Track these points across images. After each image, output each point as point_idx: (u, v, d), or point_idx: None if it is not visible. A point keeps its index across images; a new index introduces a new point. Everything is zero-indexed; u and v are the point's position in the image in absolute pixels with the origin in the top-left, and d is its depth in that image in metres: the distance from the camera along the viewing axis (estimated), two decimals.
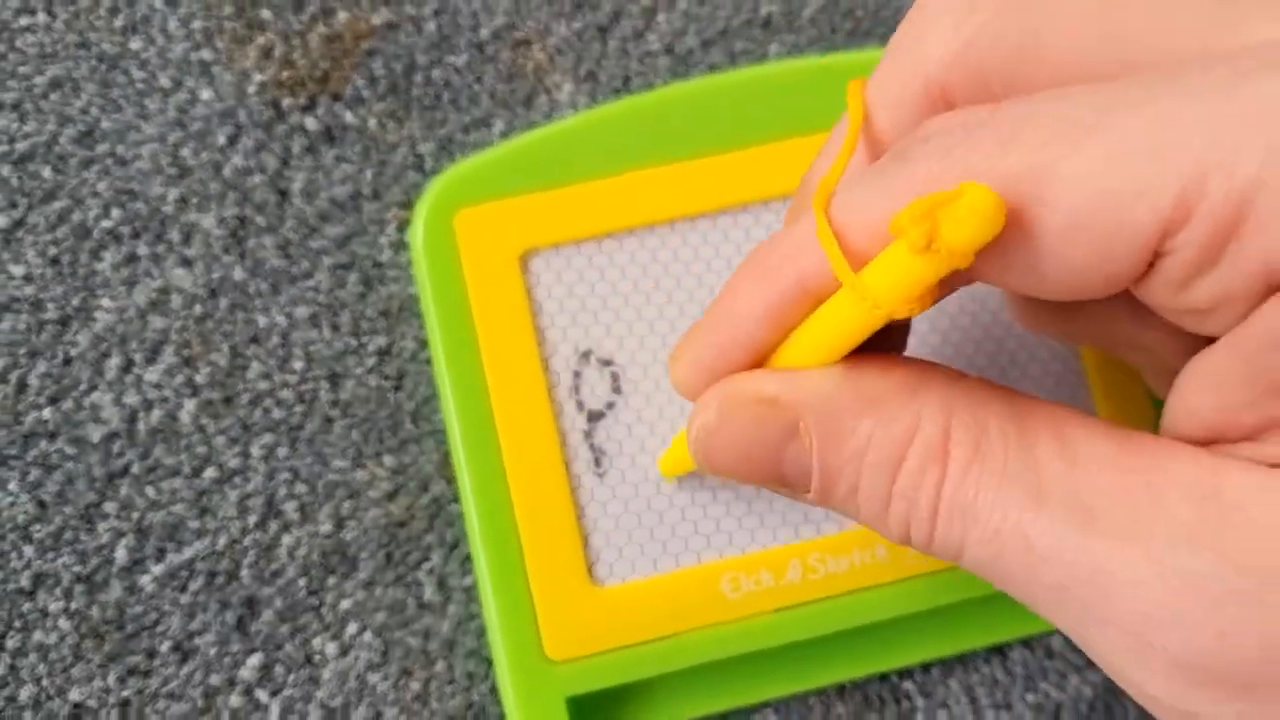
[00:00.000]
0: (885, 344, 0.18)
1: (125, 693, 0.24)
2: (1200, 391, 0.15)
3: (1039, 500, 0.15)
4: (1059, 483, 0.15)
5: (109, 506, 0.24)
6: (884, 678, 0.25)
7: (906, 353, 0.20)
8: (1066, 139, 0.14)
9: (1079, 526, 0.15)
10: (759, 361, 0.18)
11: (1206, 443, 0.15)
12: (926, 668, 0.25)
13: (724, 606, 0.23)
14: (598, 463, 0.23)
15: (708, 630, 0.23)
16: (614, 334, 0.24)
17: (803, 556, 0.23)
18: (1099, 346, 0.20)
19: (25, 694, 0.23)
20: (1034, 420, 0.16)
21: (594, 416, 0.24)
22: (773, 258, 0.17)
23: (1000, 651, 0.25)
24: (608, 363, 0.24)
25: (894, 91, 0.18)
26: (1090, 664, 0.25)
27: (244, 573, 0.24)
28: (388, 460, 0.25)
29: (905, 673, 0.25)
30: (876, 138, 0.19)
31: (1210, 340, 0.15)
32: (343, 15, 0.26)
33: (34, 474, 0.24)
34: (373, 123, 0.26)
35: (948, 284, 0.16)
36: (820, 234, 0.16)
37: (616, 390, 0.24)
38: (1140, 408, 0.24)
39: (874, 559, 0.23)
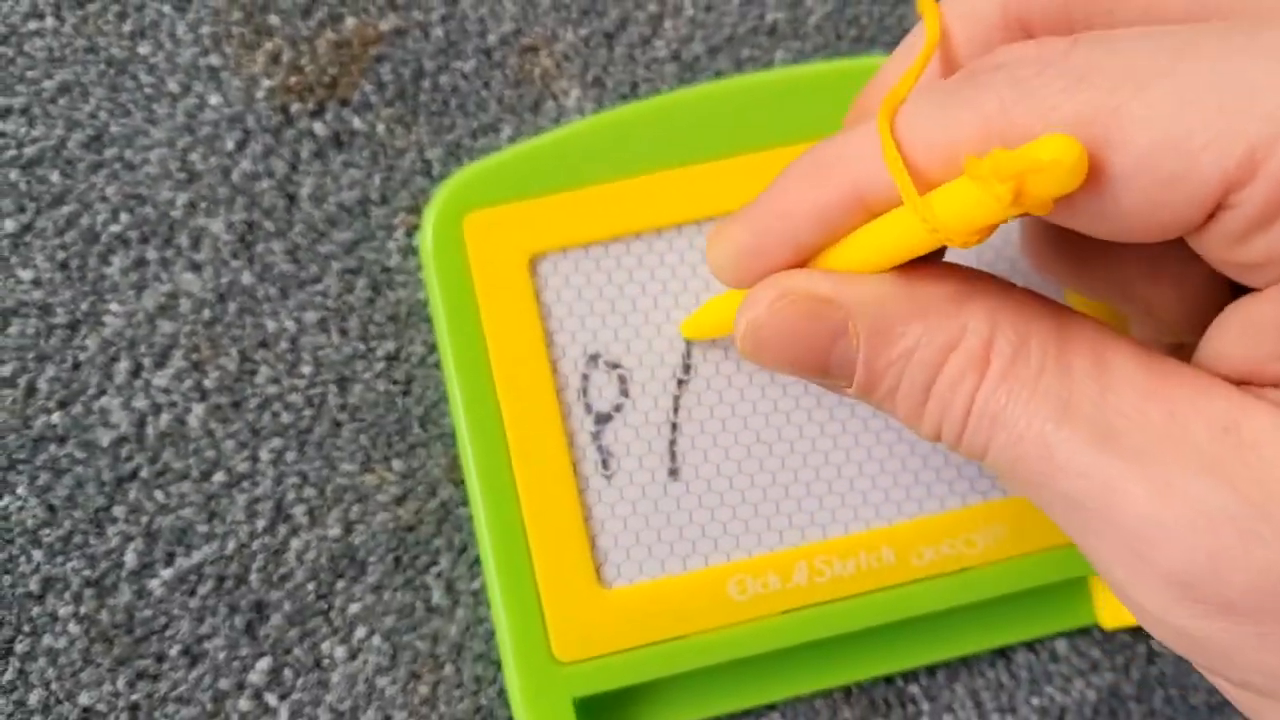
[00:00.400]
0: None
1: (134, 696, 0.24)
2: (1234, 338, 0.16)
3: (1065, 415, 0.16)
4: (1087, 401, 0.16)
5: (118, 511, 0.24)
6: (889, 681, 0.25)
7: None
8: (1138, 82, 0.14)
9: (1098, 444, 0.16)
10: (799, 259, 0.19)
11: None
12: (932, 671, 0.25)
13: (731, 608, 0.23)
14: (605, 465, 0.24)
15: (714, 632, 0.23)
16: (621, 337, 0.24)
17: (809, 559, 0.23)
18: (1098, 295, 0.21)
19: (34, 698, 0.23)
20: (1075, 340, 0.17)
21: (601, 419, 0.24)
22: (831, 162, 0.18)
23: (1005, 655, 0.25)
24: (615, 366, 0.24)
25: (971, 9, 0.18)
26: (1094, 668, 0.25)
27: (253, 577, 0.24)
28: (396, 464, 0.25)
29: (911, 676, 0.25)
30: (948, 55, 0.19)
31: (1236, 291, 0.16)
32: (351, 21, 0.26)
33: (43, 478, 0.24)
34: (381, 128, 0.26)
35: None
36: (887, 155, 0.16)
37: (624, 393, 0.24)
38: None
39: (880, 562, 0.23)
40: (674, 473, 0.24)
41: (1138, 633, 0.25)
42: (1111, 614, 0.24)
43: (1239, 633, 0.15)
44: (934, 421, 0.18)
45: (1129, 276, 0.20)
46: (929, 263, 0.18)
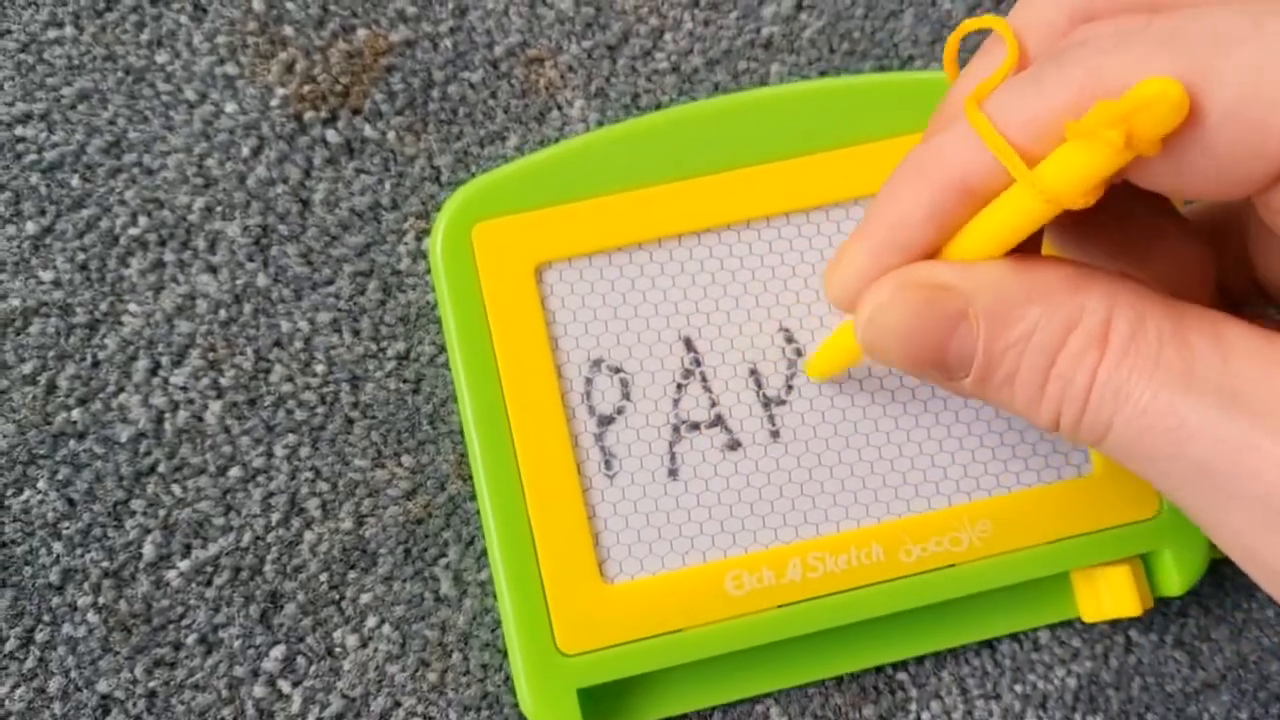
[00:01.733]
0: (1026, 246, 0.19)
1: (152, 684, 0.24)
2: None
3: (1189, 384, 0.16)
4: (1210, 371, 0.16)
5: (136, 504, 0.25)
6: (879, 669, 0.26)
7: None
8: (1223, 44, 0.15)
9: (1226, 408, 0.16)
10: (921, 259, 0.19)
11: None
12: (920, 659, 0.26)
13: (728, 603, 0.24)
14: (608, 465, 0.24)
15: (712, 625, 0.24)
16: (624, 343, 0.25)
17: (803, 555, 0.24)
18: (1118, 264, 0.21)
19: (54, 685, 0.24)
20: (1189, 318, 0.17)
21: (604, 421, 0.25)
22: (932, 162, 0.18)
23: (990, 644, 0.26)
24: (618, 370, 0.25)
25: (1039, 16, 0.19)
26: (1075, 656, 0.26)
27: (267, 568, 0.25)
28: (406, 460, 0.26)
29: (899, 664, 0.26)
30: (1020, 61, 0.19)
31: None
32: (362, 32, 0.27)
33: (63, 472, 0.25)
34: (391, 136, 0.27)
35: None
36: (986, 136, 0.17)
37: (626, 396, 0.25)
38: None
39: (870, 558, 0.24)
40: (673, 473, 0.24)
41: (1116, 622, 0.26)
42: (1092, 608, 0.25)
43: None
44: (1054, 402, 0.18)
45: (1157, 254, 0.21)
46: (1039, 254, 0.18)
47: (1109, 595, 0.25)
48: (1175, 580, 0.25)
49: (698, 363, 0.25)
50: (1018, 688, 0.26)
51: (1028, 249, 0.19)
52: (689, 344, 0.25)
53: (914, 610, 0.25)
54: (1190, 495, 0.17)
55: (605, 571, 0.24)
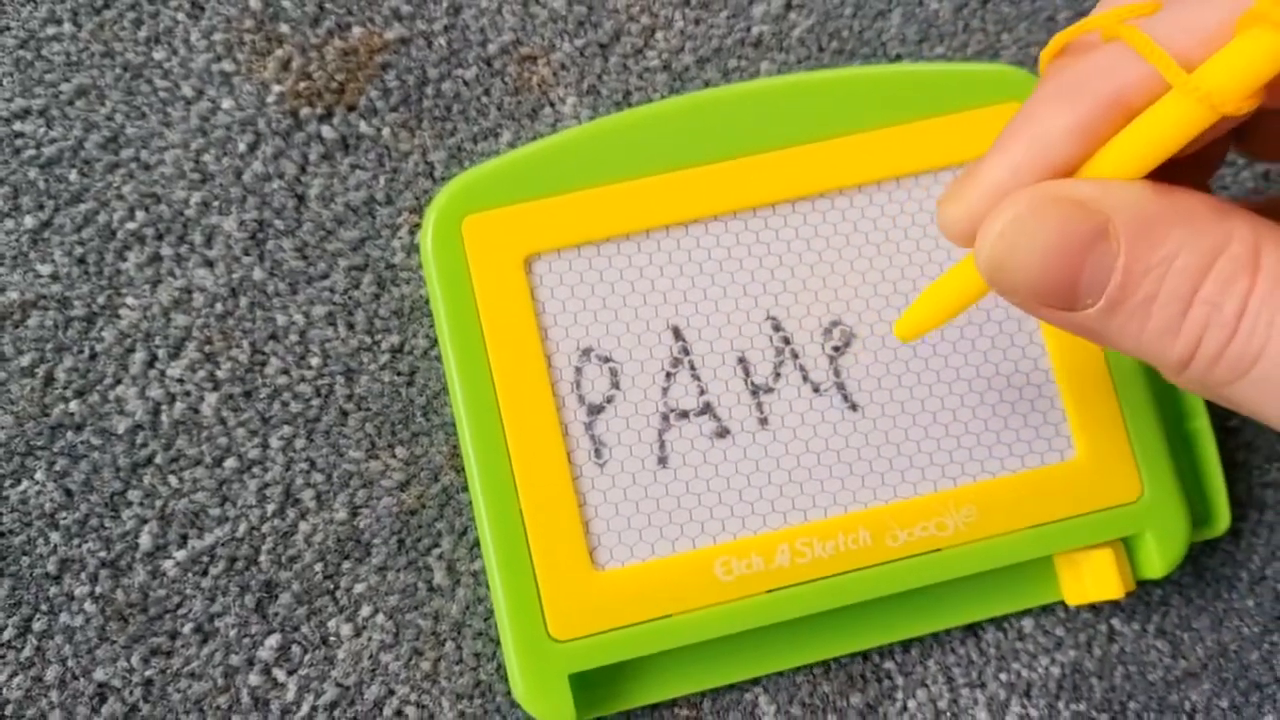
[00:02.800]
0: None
1: (148, 672, 0.25)
2: None
3: None
4: None
5: (133, 495, 0.25)
6: (866, 657, 0.26)
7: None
8: None
9: None
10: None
11: None
12: (906, 648, 0.26)
13: (717, 588, 0.24)
14: (598, 453, 0.25)
15: (702, 611, 0.24)
16: (613, 332, 0.25)
17: (790, 541, 0.24)
18: None
19: (51, 674, 0.24)
20: None
21: (594, 410, 0.25)
22: (1082, 76, 0.18)
23: (974, 633, 0.26)
24: (607, 359, 0.25)
25: None
26: (1059, 645, 0.26)
27: (263, 558, 0.25)
28: (400, 451, 0.26)
29: (886, 653, 0.26)
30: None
31: None
32: (357, 30, 0.27)
33: (61, 463, 0.25)
34: (386, 132, 0.27)
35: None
36: (1140, 46, 0.17)
37: (615, 385, 0.25)
38: (1109, 410, 0.26)
39: (858, 543, 0.24)
40: (663, 460, 0.25)
41: (1099, 610, 0.27)
42: (1075, 591, 0.25)
43: None
44: (1195, 330, 0.17)
45: None
46: (1179, 186, 0.18)
47: (1092, 578, 0.25)
48: (1157, 563, 0.25)
49: (686, 352, 0.25)
50: (1002, 676, 0.26)
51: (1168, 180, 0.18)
52: (677, 333, 0.25)
53: (901, 595, 0.25)
54: None
55: (596, 558, 0.24)
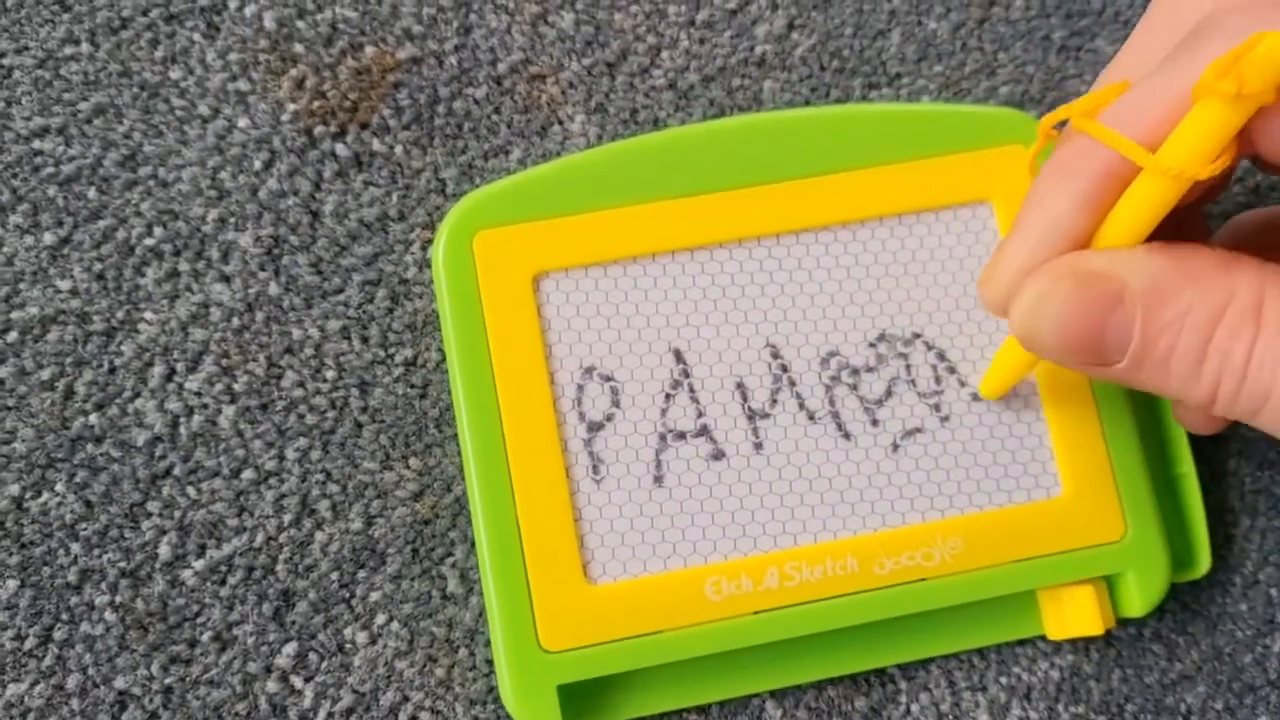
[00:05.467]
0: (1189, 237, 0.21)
1: (168, 680, 0.25)
2: None
3: None
4: None
5: (152, 506, 0.26)
6: None
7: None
8: None
9: None
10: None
11: None
12: None
13: (706, 607, 0.24)
14: (595, 470, 0.25)
15: (691, 628, 0.24)
16: (615, 352, 0.26)
17: (780, 564, 0.25)
18: None
19: (72, 682, 0.25)
20: None
21: (594, 427, 0.25)
22: (1075, 157, 0.20)
23: None
24: (609, 378, 0.25)
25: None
26: (1057, 649, 0.27)
27: (280, 567, 0.26)
28: (413, 462, 0.26)
29: None
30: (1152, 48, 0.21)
31: None
32: (370, 50, 0.28)
33: (81, 475, 0.26)
34: (399, 150, 0.28)
35: (1229, 155, 0.19)
36: (1100, 135, 0.19)
37: (615, 404, 0.25)
38: (1096, 450, 0.26)
39: (845, 570, 0.25)
40: (659, 480, 0.25)
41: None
42: (1056, 626, 0.26)
43: None
44: (1213, 375, 0.19)
45: None
46: (1188, 241, 0.20)
47: (1073, 614, 0.25)
48: (1137, 602, 0.26)
49: (686, 374, 0.26)
50: (1003, 679, 0.27)
51: (1167, 237, 0.20)
52: (678, 356, 0.26)
53: (886, 622, 0.25)
54: None
55: (589, 572, 0.25)
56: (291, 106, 0.27)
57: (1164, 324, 0.19)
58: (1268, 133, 0.19)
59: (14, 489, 0.25)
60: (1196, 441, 0.27)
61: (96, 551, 0.25)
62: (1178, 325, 0.19)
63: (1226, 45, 0.18)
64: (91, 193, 0.27)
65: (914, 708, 0.26)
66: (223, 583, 0.25)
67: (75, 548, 0.25)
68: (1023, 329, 0.21)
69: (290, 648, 0.25)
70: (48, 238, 0.26)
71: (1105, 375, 0.21)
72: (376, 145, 0.27)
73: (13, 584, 0.25)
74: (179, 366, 0.26)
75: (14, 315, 0.26)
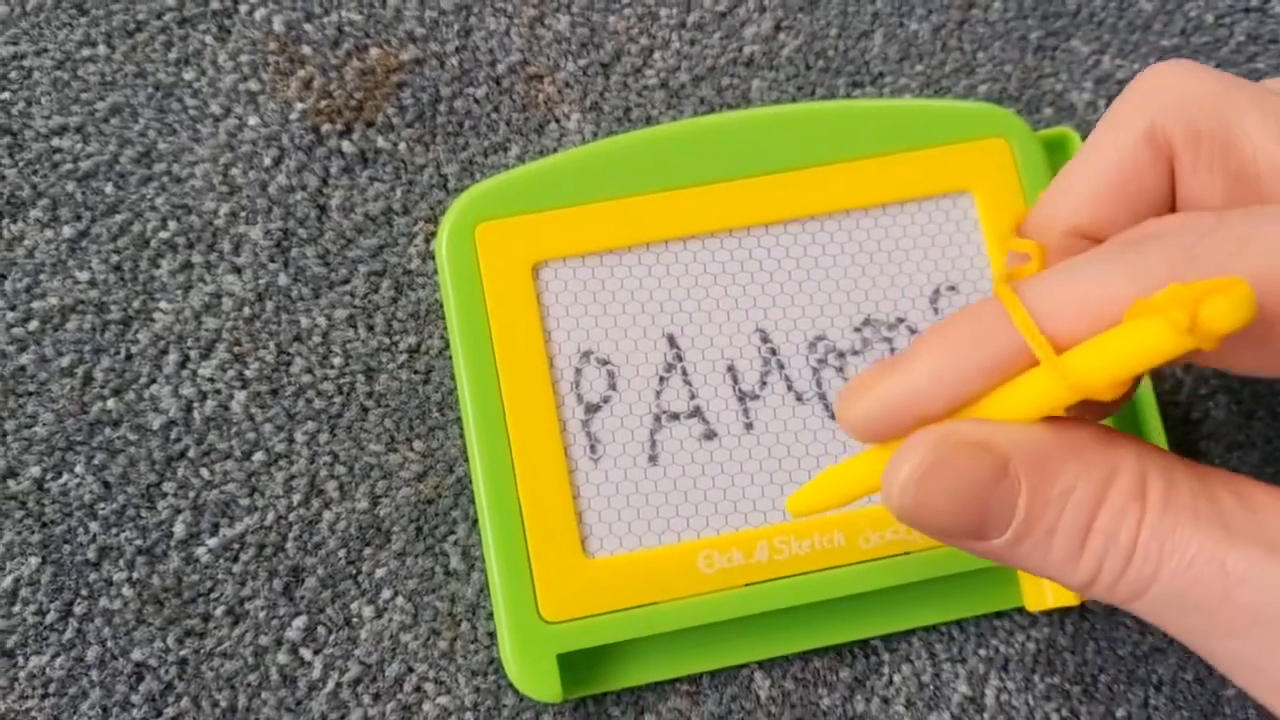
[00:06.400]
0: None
1: (183, 652, 0.26)
2: None
3: (1229, 535, 0.17)
4: (1244, 523, 0.17)
5: (168, 486, 0.27)
6: None
7: None
8: None
9: (1268, 555, 0.17)
10: (948, 414, 0.19)
11: None
12: None
13: (699, 580, 0.25)
14: (593, 449, 0.26)
15: (684, 600, 0.25)
16: (611, 337, 0.26)
17: (769, 539, 0.26)
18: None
19: (91, 654, 0.26)
20: (1212, 479, 0.18)
21: (591, 408, 0.26)
22: (992, 319, 0.18)
23: None
24: (605, 362, 0.26)
25: (1118, 134, 0.21)
26: (1034, 622, 0.28)
27: (289, 545, 0.27)
28: (417, 445, 0.27)
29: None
30: (1101, 174, 0.21)
31: None
32: (375, 51, 0.29)
33: (99, 458, 0.27)
34: (402, 147, 0.29)
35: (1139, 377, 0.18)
36: (1016, 317, 0.18)
37: (612, 386, 0.26)
38: None
39: (832, 543, 0.26)
40: (653, 459, 0.26)
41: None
42: (1035, 598, 0.26)
43: None
44: (1095, 558, 0.18)
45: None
46: (1067, 416, 0.19)
47: (1051, 587, 0.26)
48: None
49: (679, 358, 0.26)
50: (981, 651, 0.27)
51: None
52: (672, 341, 0.26)
53: (871, 595, 0.26)
54: (1235, 644, 0.17)
55: (587, 547, 0.25)
56: (300, 105, 0.28)
57: (1047, 500, 0.18)
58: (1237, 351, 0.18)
59: (35, 470, 0.26)
60: (1169, 423, 0.28)
61: (114, 530, 0.26)
62: (1061, 502, 0.18)
63: (1179, 255, 0.17)
64: (109, 188, 0.28)
65: (896, 678, 0.27)
66: (235, 560, 0.26)
67: (94, 526, 0.26)
68: (901, 505, 0.19)
69: (300, 621, 0.26)
70: (67, 231, 0.27)
71: (976, 550, 0.19)
72: (381, 142, 0.28)
73: (34, 561, 0.26)
74: (193, 354, 0.27)
75: (35, 305, 0.27)
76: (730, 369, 0.26)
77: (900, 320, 0.27)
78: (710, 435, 0.26)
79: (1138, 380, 0.18)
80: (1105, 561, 0.18)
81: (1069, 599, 0.26)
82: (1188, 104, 0.20)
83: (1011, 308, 0.18)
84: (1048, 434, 0.18)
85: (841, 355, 0.27)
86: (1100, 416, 0.21)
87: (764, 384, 0.26)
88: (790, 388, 0.27)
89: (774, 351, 0.27)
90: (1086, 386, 0.17)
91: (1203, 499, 0.18)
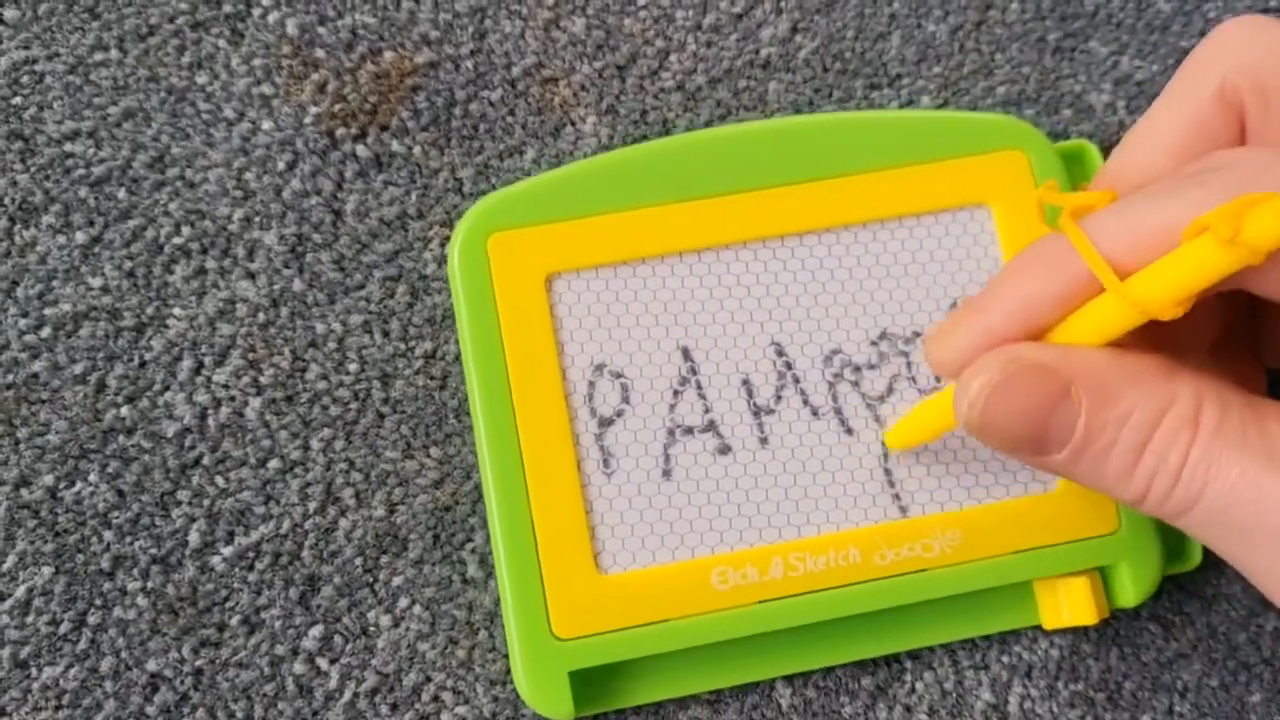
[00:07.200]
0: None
1: (198, 663, 0.26)
2: None
3: (1271, 464, 0.19)
4: None
5: (182, 495, 0.26)
6: None
7: None
8: None
9: None
10: (1028, 340, 0.21)
11: None
12: None
13: (713, 596, 0.25)
14: (606, 463, 0.26)
15: (697, 617, 0.25)
16: (625, 350, 0.26)
17: (784, 555, 0.25)
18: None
19: (106, 665, 0.26)
20: (1266, 409, 0.20)
21: (605, 422, 0.26)
22: (1062, 251, 0.20)
23: None
24: (619, 375, 0.26)
25: (1189, 89, 0.22)
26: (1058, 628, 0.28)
27: (305, 553, 0.26)
28: (434, 451, 0.27)
29: None
30: (1173, 131, 0.22)
31: None
32: (389, 55, 0.29)
33: (113, 466, 0.26)
34: (417, 151, 0.28)
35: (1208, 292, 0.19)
36: (1080, 247, 0.19)
37: (625, 400, 0.26)
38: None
39: (848, 560, 0.25)
40: (667, 473, 0.26)
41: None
42: (1052, 616, 0.26)
43: None
44: (1146, 476, 0.20)
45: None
46: (1135, 342, 0.21)
47: (1068, 604, 0.26)
48: (1130, 593, 0.26)
49: (694, 371, 0.26)
50: (1004, 658, 0.27)
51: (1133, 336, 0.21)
52: (686, 354, 0.26)
53: (887, 611, 0.26)
54: (1267, 560, 0.19)
55: (600, 562, 0.25)
56: (314, 109, 0.28)
57: (1107, 421, 0.20)
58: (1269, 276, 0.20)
59: (49, 479, 0.26)
60: None
61: (129, 539, 0.26)
62: (1119, 425, 0.20)
63: (1235, 187, 0.18)
64: (121, 193, 0.28)
65: (919, 686, 0.27)
66: (251, 568, 0.26)
67: (108, 535, 0.26)
68: (969, 417, 0.21)
69: (316, 631, 0.26)
70: (80, 237, 0.27)
71: (1039, 464, 0.21)
72: (396, 146, 0.28)
73: (48, 571, 0.26)
74: (207, 360, 0.27)
75: (48, 312, 0.27)
76: (745, 383, 0.26)
77: (917, 334, 0.27)
78: (725, 450, 0.26)
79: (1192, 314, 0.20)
80: (1155, 480, 0.20)
81: (1085, 618, 0.26)
82: (1258, 61, 0.21)
83: (1075, 239, 0.19)
84: (1112, 361, 0.20)
85: (857, 369, 0.27)
86: (1182, 349, 0.23)
87: (779, 398, 0.26)
88: (806, 402, 0.26)
89: (789, 365, 0.26)
90: (1147, 306, 0.19)
91: (1253, 428, 0.19)
